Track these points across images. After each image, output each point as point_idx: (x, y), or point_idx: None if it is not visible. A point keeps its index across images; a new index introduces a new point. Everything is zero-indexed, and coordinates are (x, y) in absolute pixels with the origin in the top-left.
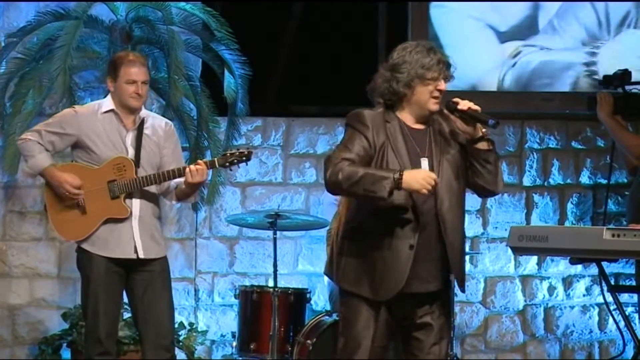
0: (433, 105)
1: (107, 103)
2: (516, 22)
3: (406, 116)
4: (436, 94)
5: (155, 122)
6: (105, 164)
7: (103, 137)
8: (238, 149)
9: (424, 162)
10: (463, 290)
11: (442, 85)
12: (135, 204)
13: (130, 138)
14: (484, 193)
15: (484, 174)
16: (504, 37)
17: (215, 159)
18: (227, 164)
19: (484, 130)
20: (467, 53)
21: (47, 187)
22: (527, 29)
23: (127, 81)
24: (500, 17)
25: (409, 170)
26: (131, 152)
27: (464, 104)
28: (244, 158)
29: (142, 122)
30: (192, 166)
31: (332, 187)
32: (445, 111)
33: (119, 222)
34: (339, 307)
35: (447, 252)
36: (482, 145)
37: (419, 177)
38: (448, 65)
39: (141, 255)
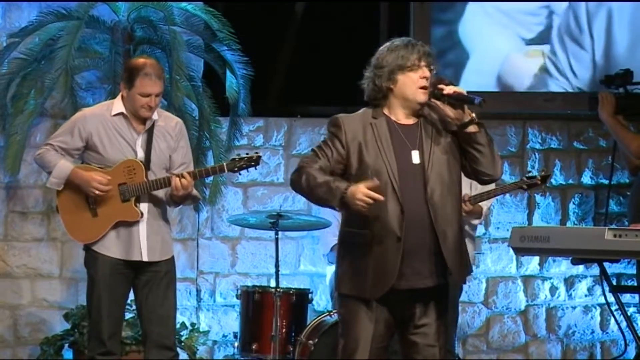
0: (421, 96)
1: (118, 105)
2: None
3: (395, 112)
4: (422, 82)
5: (166, 123)
6: (116, 167)
7: (112, 140)
8: (247, 154)
9: (415, 154)
10: (462, 282)
11: (427, 73)
12: (144, 207)
13: (140, 141)
14: (484, 178)
15: (479, 158)
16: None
17: (224, 163)
18: (236, 168)
19: (472, 114)
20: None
21: (59, 191)
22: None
23: (141, 93)
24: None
25: (355, 186)
26: (141, 155)
27: (449, 89)
28: (253, 163)
29: (153, 125)
30: (177, 180)
31: (292, 186)
32: (433, 100)
33: (129, 224)
34: (338, 308)
35: (439, 243)
36: (472, 129)
37: (357, 196)
38: (429, 54)
39: (145, 259)
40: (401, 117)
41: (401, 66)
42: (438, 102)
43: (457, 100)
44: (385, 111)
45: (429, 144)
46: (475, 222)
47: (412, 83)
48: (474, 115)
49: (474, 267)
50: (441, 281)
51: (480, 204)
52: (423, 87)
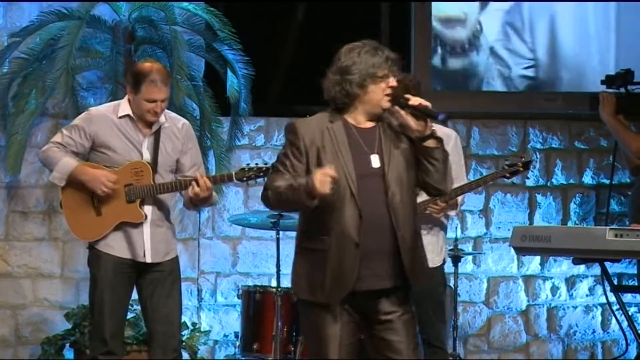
0: (386, 103)
1: (124, 107)
2: None
3: (356, 116)
4: (388, 91)
5: (172, 124)
6: (124, 168)
7: (118, 141)
8: (257, 164)
9: (374, 158)
10: (416, 285)
11: (393, 82)
12: (148, 209)
13: (146, 143)
14: (433, 192)
15: (432, 172)
16: None
17: (233, 172)
18: (245, 178)
19: (433, 127)
20: None
21: (64, 187)
22: None
23: (146, 99)
24: None
25: (313, 174)
26: (146, 156)
27: (415, 100)
28: (262, 174)
29: (160, 127)
30: (197, 189)
31: (265, 204)
32: (396, 108)
33: (133, 225)
34: (301, 313)
35: (399, 246)
36: (431, 143)
37: (317, 177)
38: (395, 62)
39: (148, 260)
40: (361, 121)
41: (372, 75)
42: (401, 111)
43: (420, 113)
44: (345, 115)
45: (389, 147)
46: (452, 213)
47: (381, 91)
48: (434, 129)
49: (474, 267)
50: (399, 282)
51: None
52: (388, 95)
